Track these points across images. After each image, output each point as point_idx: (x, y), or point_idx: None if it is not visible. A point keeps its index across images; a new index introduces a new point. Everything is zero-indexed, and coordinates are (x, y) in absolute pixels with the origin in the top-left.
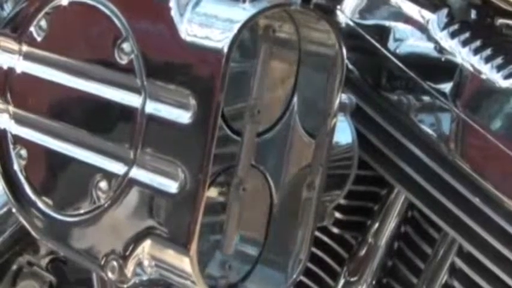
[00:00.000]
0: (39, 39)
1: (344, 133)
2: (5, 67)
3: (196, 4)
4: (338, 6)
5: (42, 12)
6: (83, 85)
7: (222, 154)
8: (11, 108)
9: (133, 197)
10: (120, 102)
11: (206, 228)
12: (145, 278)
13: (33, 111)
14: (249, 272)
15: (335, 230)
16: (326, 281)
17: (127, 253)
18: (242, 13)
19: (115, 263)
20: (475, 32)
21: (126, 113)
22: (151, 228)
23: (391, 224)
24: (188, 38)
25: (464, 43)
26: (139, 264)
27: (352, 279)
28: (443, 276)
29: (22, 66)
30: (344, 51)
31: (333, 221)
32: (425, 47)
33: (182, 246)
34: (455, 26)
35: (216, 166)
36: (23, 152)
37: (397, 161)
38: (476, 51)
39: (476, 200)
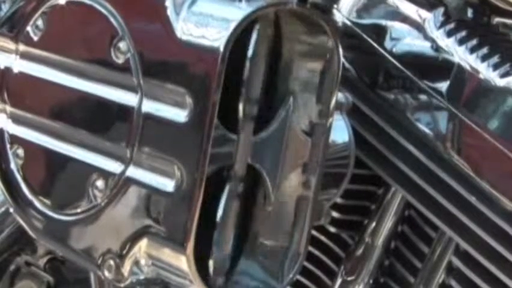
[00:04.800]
0: (36, 38)
1: (340, 132)
2: (1, 67)
3: (192, 3)
4: (335, 5)
5: (39, 12)
6: (79, 84)
7: (219, 153)
8: (8, 108)
9: (129, 196)
10: (116, 101)
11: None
12: (142, 277)
13: (30, 110)
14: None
15: (332, 229)
16: (323, 280)
17: (124, 252)
18: (238, 12)
19: (111, 262)
20: (471, 31)
21: (123, 112)
22: (148, 227)
23: (388, 223)
24: (185, 37)
25: (461, 42)
26: (136, 263)
27: (349, 279)
28: (440, 276)
29: (19, 65)
30: (341, 50)
31: (329, 220)
32: (421, 46)
33: (179, 244)
34: (452, 25)
35: (213, 165)
36: (20, 152)
37: (394, 160)
38: (473, 50)
39: (473, 199)
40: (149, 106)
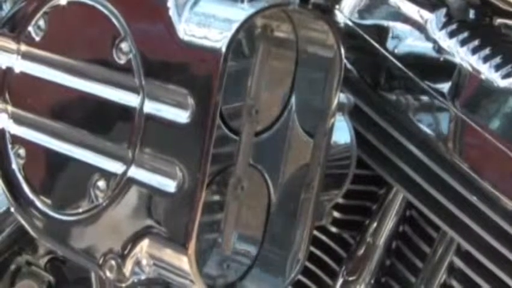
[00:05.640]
0: (37, 38)
1: (342, 132)
2: (3, 67)
3: (194, 4)
4: (337, 6)
5: (41, 12)
6: (81, 85)
7: (220, 153)
8: (10, 108)
9: (131, 196)
10: (118, 102)
11: (204, 228)
12: (143, 277)
13: (31, 110)
14: (247, 271)
15: (333, 230)
16: (324, 281)
17: (125, 252)
18: (240, 13)
19: (113, 262)
20: (473, 32)
21: (124, 112)
22: (150, 227)
23: (389, 223)
24: (187, 38)
25: (463, 43)
26: (138, 263)
27: (350, 279)
28: (442, 276)
29: (20, 65)
30: (343, 50)
31: (331, 221)
32: (423, 46)
33: (181, 245)
34: (454, 26)
35: (214, 165)
36: (22, 151)
37: (395, 161)
38: (475, 51)
39: (474, 199)
40: (151, 107)
